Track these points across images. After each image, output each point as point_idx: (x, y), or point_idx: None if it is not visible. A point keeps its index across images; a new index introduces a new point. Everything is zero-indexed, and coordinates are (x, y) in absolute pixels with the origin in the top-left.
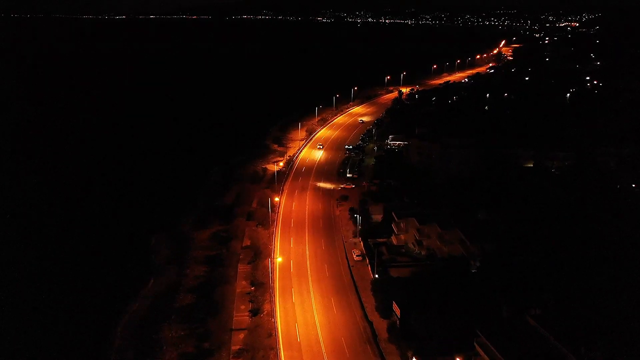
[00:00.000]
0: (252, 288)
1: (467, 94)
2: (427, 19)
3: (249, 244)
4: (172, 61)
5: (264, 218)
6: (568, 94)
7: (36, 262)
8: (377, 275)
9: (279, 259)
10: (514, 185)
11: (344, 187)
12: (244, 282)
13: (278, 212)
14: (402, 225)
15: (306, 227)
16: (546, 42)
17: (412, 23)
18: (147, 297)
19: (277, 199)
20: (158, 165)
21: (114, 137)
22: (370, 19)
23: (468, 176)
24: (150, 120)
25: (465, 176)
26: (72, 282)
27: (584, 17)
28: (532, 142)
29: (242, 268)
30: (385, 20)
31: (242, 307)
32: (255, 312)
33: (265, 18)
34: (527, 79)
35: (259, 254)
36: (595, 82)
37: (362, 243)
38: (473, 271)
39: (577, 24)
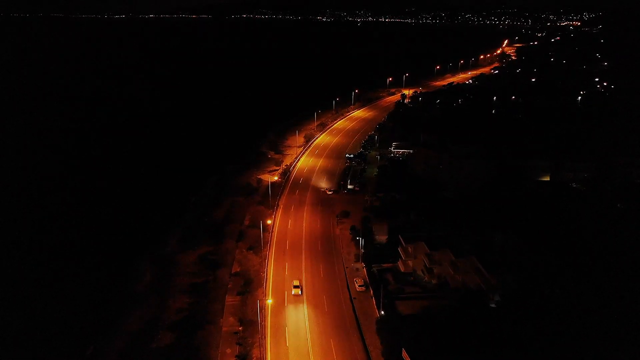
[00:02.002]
0: (240, 328)
1: (473, 97)
2: (427, 18)
3: (238, 270)
4: (168, 62)
5: (256, 239)
6: (579, 97)
7: None
8: (382, 312)
9: (269, 301)
10: (532, 202)
11: (326, 190)
12: (231, 319)
13: (272, 231)
14: (410, 250)
15: (303, 250)
16: (549, 41)
17: (412, 22)
18: (123, 335)
19: (269, 221)
20: (148, 173)
21: (105, 140)
22: (370, 18)
23: (479, 189)
24: (143, 123)
25: (476, 189)
26: (39, 313)
27: (585, 16)
28: (547, 152)
29: (230, 300)
30: (385, 19)
31: (228, 350)
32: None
33: (265, 17)
34: (533, 80)
35: (249, 283)
36: (605, 83)
37: (365, 269)
38: (492, 306)
39: (579, 23)
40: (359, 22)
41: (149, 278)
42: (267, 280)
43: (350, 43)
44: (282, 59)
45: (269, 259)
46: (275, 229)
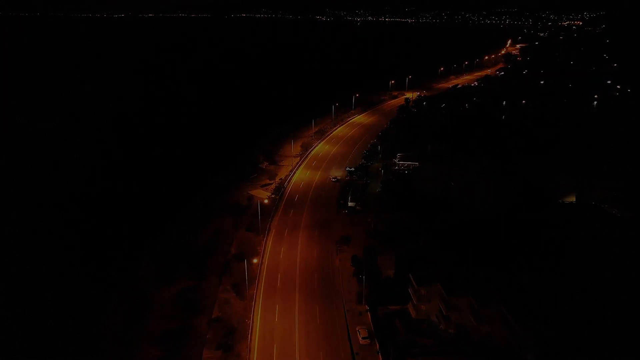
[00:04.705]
0: None
1: (480, 100)
2: (427, 18)
3: (220, 315)
4: (163, 62)
5: (243, 275)
6: (594, 102)
7: None
8: None
9: None
10: (562, 230)
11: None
12: None
13: (262, 262)
14: (422, 292)
15: (297, 288)
16: (553, 41)
17: (412, 22)
18: None
19: (255, 260)
20: (128, 185)
21: (90, 145)
22: (370, 18)
23: (497, 211)
24: (129, 127)
25: (492, 210)
26: None
27: (586, 15)
28: (569, 166)
29: (208, 356)
30: (385, 19)
31: None
32: None
33: (264, 17)
34: (542, 82)
35: (232, 333)
36: (618, 86)
37: (369, 314)
38: None
39: (581, 23)
40: (358, 21)
41: (116, 323)
42: (253, 330)
43: (350, 43)
44: (279, 60)
45: (257, 299)
46: (266, 260)
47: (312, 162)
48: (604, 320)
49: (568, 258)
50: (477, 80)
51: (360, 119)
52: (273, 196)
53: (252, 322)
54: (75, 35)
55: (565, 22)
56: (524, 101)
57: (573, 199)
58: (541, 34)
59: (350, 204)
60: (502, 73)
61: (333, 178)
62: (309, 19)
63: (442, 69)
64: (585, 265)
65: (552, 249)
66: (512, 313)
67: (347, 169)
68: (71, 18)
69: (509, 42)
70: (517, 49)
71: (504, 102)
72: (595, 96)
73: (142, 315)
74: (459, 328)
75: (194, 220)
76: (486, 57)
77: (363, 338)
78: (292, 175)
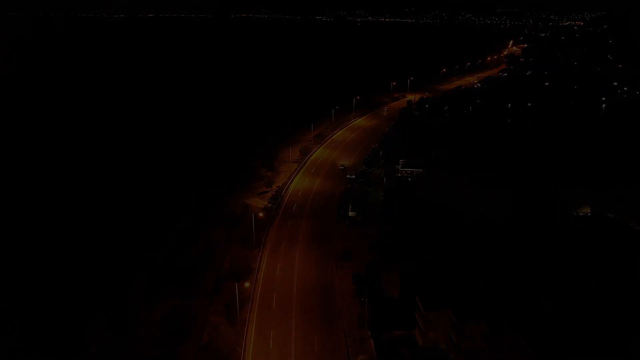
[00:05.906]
0: None
1: (484, 103)
2: (427, 18)
3: (209, 342)
4: (160, 62)
5: (235, 296)
6: (603, 105)
7: None
8: None
9: None
10: (579, 246)
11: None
12: None
13: (256, 280)
14: (431, 318)
15: (293, 311)
16: (555, 41)
17: (411, 22)
18: None
19: (247, 283)
20: (118, 192)
21: (88, 146)
22: (370, 18)
23: (505, 223)
24: (130, 128)
25: (500, 221)
26: None
27: (587, 15)
28: (581, 174)
29: None
30: (385, 19)
31: None
32: None
33: (264, 17)
34: (546, 84)
35: None
36: (625, 88)
37: (372, 341)
38: None
39: (582, 23)
40: (358, 21)
41: (100, 346)
42: (247, 350)
43: (350, 44)
44: (278, 61)
45: (250, 324)
46: (260, 279)
47: (311, 168)
48: (634, 351)
49: (591, 278)
50: (479, 81)
51: (360, 122)
52: (270, 205)
53: (245, 351)
54: (76, 35)
55: (566, 22)
56: (529, 104)
57: (587, 210)
58: (542, 34)
59: (351, 213)
60: (505, 74)
61: (340, 166)
62: (309, 19)
63: (444, 70)
64: (610, 286)
65: (572, 267)
66: (530, 341)
67: (348, 176)
68: (71, 18)
69: (511, 42)
70: (519, 49)
71: (509, 105)
72: (603, 98)
73: (126, 340)
74: (471, 358)
75: (186, 231)
76: (489, 58)
77: None
78: (290, 183)
